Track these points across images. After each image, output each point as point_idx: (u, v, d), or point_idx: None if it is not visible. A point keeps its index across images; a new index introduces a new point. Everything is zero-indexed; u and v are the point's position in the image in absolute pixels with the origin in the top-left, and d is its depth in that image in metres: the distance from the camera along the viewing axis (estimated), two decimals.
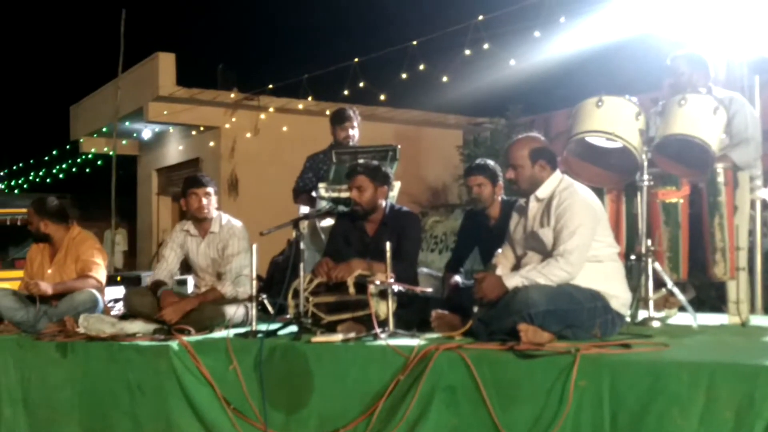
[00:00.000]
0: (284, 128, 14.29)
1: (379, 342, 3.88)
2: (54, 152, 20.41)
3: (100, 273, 5.61)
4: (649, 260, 4.35)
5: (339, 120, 6.36)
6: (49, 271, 5.68)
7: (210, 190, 5.28)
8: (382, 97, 12.51)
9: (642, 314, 4.40)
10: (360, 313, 4.30)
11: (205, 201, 5.25)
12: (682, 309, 4.51)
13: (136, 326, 4.80)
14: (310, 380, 3.92)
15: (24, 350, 4.93)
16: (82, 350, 4.66)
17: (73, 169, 20.08)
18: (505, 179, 4.52)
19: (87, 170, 19.52)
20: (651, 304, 4.33)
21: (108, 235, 14.52)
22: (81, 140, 17.85)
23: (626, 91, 4.55)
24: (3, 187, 24.63)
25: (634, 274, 4.38)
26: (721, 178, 4.47)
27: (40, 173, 21.58)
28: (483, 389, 3.35)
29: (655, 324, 4.29)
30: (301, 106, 14.20)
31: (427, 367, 3.52)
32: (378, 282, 4.17)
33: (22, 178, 23.02)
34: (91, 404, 4.59)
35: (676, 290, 4.32)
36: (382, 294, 4.18)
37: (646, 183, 4.42)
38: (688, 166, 4.44)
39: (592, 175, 4.59)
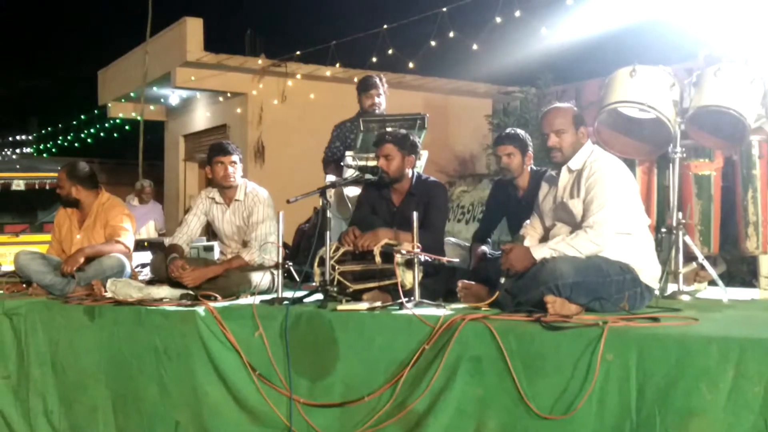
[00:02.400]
0: (311, 95, 14.24)
1: (404, 311, 3.86)
2: (82, 117, 20.52)
3: (128, 238, 5.64)
4: (680, 233, 4.30)
5: (364, 87, 6.35)
6: (78, 236, 5.71)
7: (235, 158, 5.26)
8: (411, 65, 12.41)
9: (671, 288, 4.35)
10: (386, 282, 4.31)
11: (230, 169, 5.23)
12: (712, 283, 4.46)
13: (163, 291, 4.84)
14: (336, 348, 3.92)
15: (52, 313, 4.97)
16: (110, 314, 4.70)
17: (101, 134, 20.19)
18: (537, 147, 4.46)
19: (115, 135, 19.62)
20: (681, 277, 4.29)
21: (131, 200, 14.56)
22: (109, 105, 17.91)
23: (660, 61, 4.47)
24: (32, 151, 24.88)
25: (664, 247, 4.33)
26: (755, 151, 4.40)
27: (69, 138, 21.73)
28: (509, 360, 3.33)
29: (685, 298, 4.25)
30: (328, 73, 14.13)
31: (453, 337, 3.50)
32: (404, 251, 4.16)
33: (51, 143, 23.23)
34: (118, 368, 4.63)
35: (706, 264, 4.27)
36: (408, 263, 4.16)
37: (678, 155, 4.36)
38: (722, 138, 4.36)
39: (623, 146, 4.52)
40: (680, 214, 4.34)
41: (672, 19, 9.36)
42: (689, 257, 4.31)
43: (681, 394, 2.93)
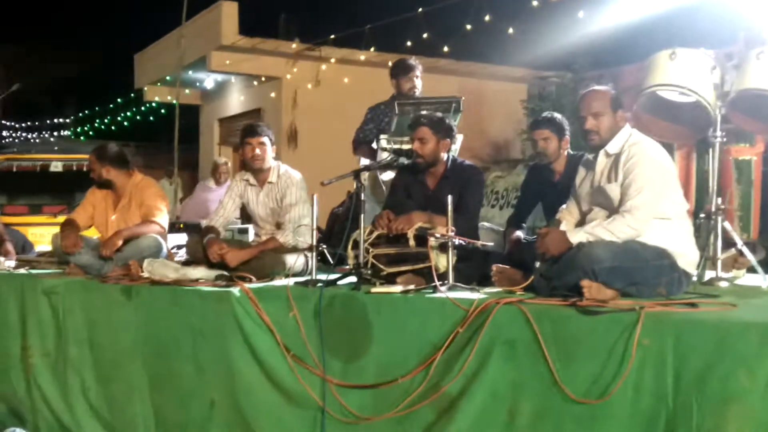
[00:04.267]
0: (345, 80, 14.23)
1: (438, 294, 3.86)
2: (119, 100, 20.70)
3: (164, 218, 5.68)
4: (719, 219, 4.24)
5: (404, 70, 6.30)
6: (113, 217, 5.76)
7: (264, 139, 5.25)
8: (446, 49, 12.33)
9: (710, 274, 4.30)
10: (420, 265, 4.29)
11: (258, 151, 5.23)
12: (751, 270, 4.39)
13: (199, 272, 4.87)
14: (369, 330, 3.93)
15: (90, 292, 5.04)
16: (146, 294, 4.74)
17: (137, 118, 20.37)
18: (573, 132, 4.41)
19: (151, 119, 19.78)
20: (719, 263, 4.23)
21: (164, 183, 14.66)
22: (145, 89, 18.06)
23: (700, 45, 4.39)
24: (69, 134, 25.19)
25: (702, 232, 4.27)
26: None
27: (105, 121, 21.96)
28: (543, 344, 3.31)
29: (723, 284, 4.19)
30: (362, 58, 14.11)
31: (487, 320, 3.49)
32: (438, 235, 4.15)
33: (88, 126, 23.48)
34: (154, 347, 4.68)
35: (746, 250, 4.21)
36: (443, 247, 4.15)
37: (718, 139, 4.29)
38: (763, 122, 4.29)
39: (662, 130, 4.47)
40: (719, 200, 4.28)
41: (711, 2, 9.21)
42: (728, 243, 4.25)
43: (718, 381, 2.89)
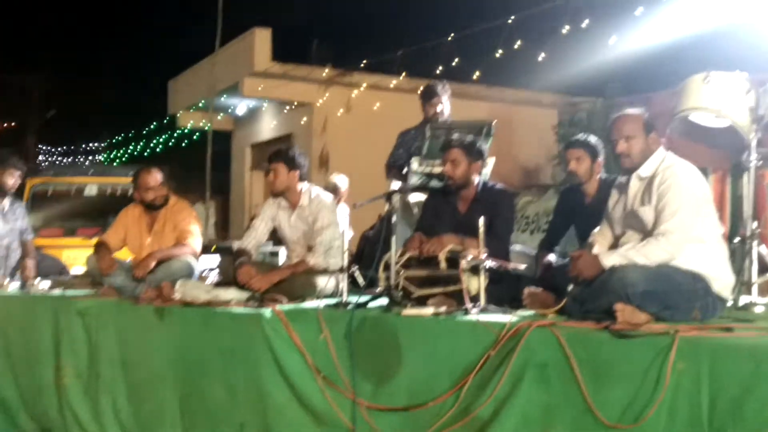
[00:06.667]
0: (376, 105, 14.29)
1: (469, 317, 3.85)
2: (153, 125, 20.95)
3: (197, 241, 5.73)
4: (754, 243, 4.19)
5: (427, 96, 6.35)
6: (149, 239, 5.82)
7: (277, 165, 5.29)
8: (476, 75, 12.35)
9: (744, 299, 4.24)
10: (451, 288, 4.28)
11: (272, 175, 5.29)
12: None
13: (231, 293, 4.89)
14: (400, 353, 3.92)
15: (122, 314, 5.08)
16: (178, 315, 4.77)
17: (171, 143, 20.58)
18: (607, 156, 4.39)
19: (184, 144, 19.98)
20: (755, 288, 4.17)
21: (199, 208, 14.76)
22: (178, 114, 18.26)
23: (733, 70, 4.36)
24: (104, 159, 25.53)
25: (737, 257, 4.22)
26: None
27: (139, 146, 22.21)
28: (576, 368, 3.29)
29: (759, 309, 4.12)
30: (393, 83, 14.17)
31: (519, 343, 3.47)
32: (470, 257, 4.14)
33: (122, 150, 23.77)
34: (186, 368, 4.70)
35: None
36: (474, 270, 4.14)
37: (753, 163, 4.25)
38: None
39: (696, 154, 4.42)
40: (755, 224, 4.23)
41: (744, 30, 9.16)
42: (763, 268, 4.20)
43: (755, 406, 2.85)
